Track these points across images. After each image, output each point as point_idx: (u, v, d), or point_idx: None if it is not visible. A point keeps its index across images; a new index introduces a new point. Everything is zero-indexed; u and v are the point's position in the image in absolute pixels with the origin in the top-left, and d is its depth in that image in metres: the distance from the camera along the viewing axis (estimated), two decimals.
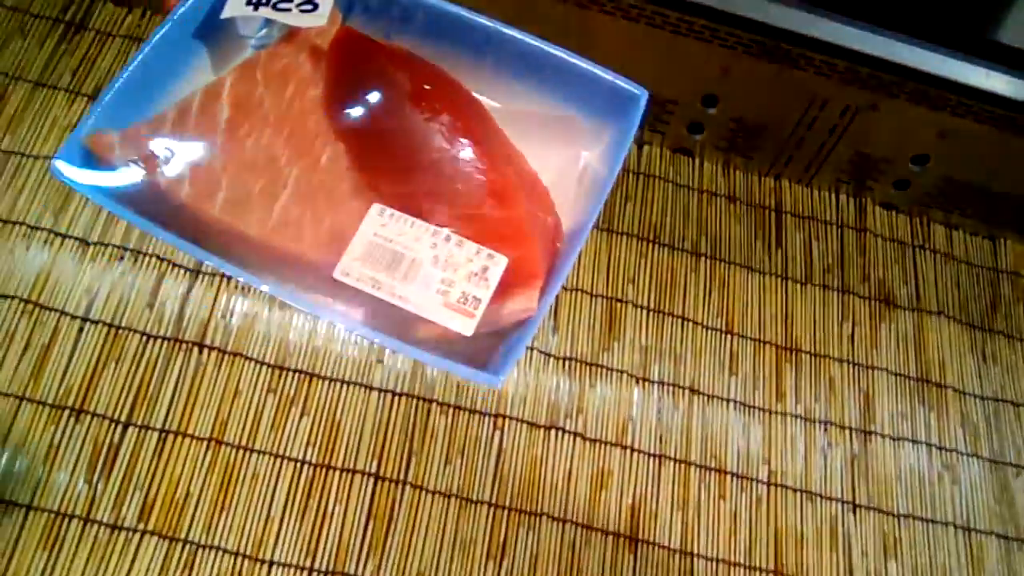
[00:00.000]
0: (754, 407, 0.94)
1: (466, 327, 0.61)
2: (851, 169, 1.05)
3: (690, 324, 0.97)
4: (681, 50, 0.96)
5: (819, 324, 1.00)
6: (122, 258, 0.90)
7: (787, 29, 0.92)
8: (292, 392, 0.87)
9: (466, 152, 0.67)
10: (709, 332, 0.97)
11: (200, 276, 0.90)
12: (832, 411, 0.95)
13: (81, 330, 0.86)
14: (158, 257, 0.91)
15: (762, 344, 0.97)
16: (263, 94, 0.68)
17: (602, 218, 1.01)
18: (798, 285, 1.01)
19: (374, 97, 0.69)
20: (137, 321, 0.87)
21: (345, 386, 0.88)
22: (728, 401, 0.94)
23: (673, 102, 1.02)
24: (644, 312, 0.97)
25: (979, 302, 1.04)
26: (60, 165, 0.62)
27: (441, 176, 0.66)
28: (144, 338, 0.87)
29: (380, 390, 0.88)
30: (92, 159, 0.63)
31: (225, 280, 0.91)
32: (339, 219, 0.64)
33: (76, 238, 0.90)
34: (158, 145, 0.65)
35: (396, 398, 0.88)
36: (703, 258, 1.01)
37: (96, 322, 0.87)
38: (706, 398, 0.94)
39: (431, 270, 0.62)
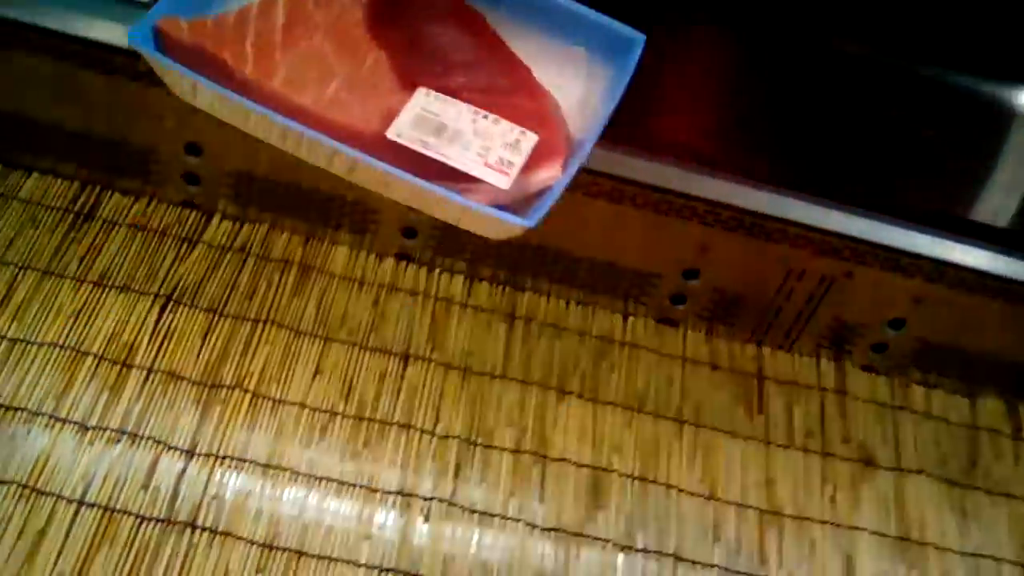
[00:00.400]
0: (738, 572, 0.96)
1: (502, 182, 0.73)
2: (830, 334, 1.08)
3: (674, 491, 0.99)
4: (663, 227, 1.00)
5: (801, 487, 1.01)
6: (119, 441, 0.93)
7: (761, 212, 0.97)
8: (280, 572, 0.89)
9: (497, 57, 0.81)
10: (693, 499, 0.99)
11: (195, 457, 0.94)
12: (814, 574, 0.97)
13: (76, 514, 0.89)
14: (155, 440, 0.94)
15: (745, 509, 0.99)
16: (313, 9, 0.81)
17: (588, 388, 1.04)
18: (780, 449, 1.04)
19: (412, 13, 0.82)
20: (132, 503, 0.90)
21: (333, 564, 0.90)
22: (712, 567, 0.96)
23: (657, 275, 1.06)
24: (629, 480, 0.99)
25: (958, 459, 1.06)
26: (134, 38, 0.74)
27: (477, 74, 0.80)
28: (138, 520, 0.89)
29: (367, 566, 0.91)
30: (161, 40, 0.76)
31: (219, 460, 0.94)
32: (386, 103, 0.77)
33: (75, 423, 0.94)
34: (222, 33, 0.77)
35: (382, 574, 0.90)
36: (687, 425, 1.04)
37: (92, 505, 0.90)
38: (690, 564, 0.95)
39: (471, 138, 0.74)
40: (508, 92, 0.79)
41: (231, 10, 0.79)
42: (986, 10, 1.09)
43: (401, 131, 0.74)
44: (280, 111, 0.72)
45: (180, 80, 0.74)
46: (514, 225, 0.72)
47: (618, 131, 0.97)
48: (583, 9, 0.83)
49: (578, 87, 0.83)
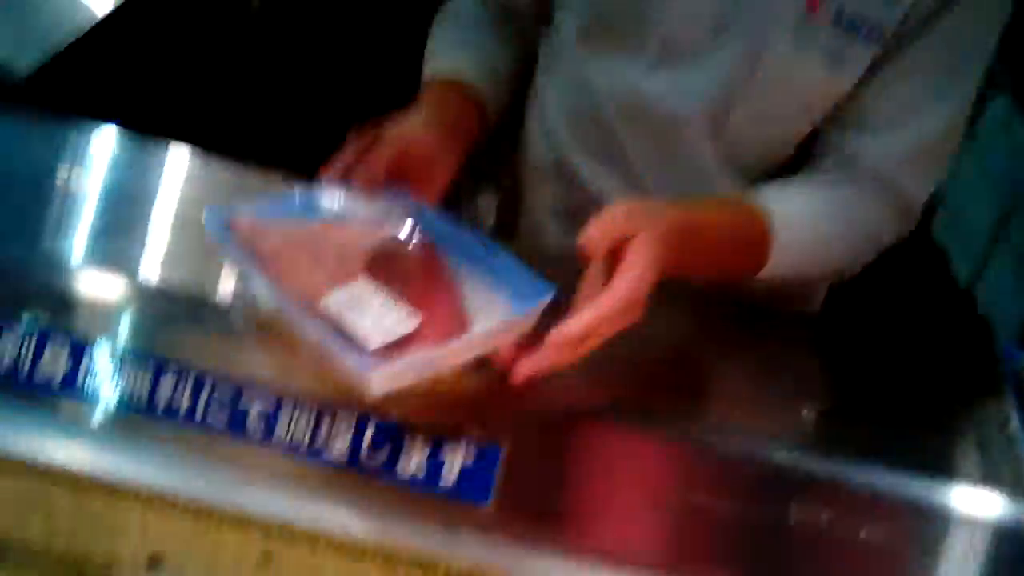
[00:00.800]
0: None
1: (369, 344, 0.98)
2: None
3: None
4: None
5: None
6: None
7: None
8: None
9: (436, 282, 1.09)
10: None
11: None
12: None
13: None
14: None
15: None
16: (334, 236, 1.11)
17: None
18: None
19: (394, 255, 1.11)
20: None
21: None
22: None
23: None
24: None
25: None
26: (209, 216, 1.10)
27: (414, 286, 1.06)
28: None
29: None
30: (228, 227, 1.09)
31: None
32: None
33: None
34: (265, 229, 1.10)
35: None
36: None
37: None
38: None
39: (374, 314, 1.01)
40: (428, 302, 1.04)
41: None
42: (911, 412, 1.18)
43: (330, 302, 1.01)
44: (271, 280, 1.04)
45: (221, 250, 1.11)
46: (355, 368, 0.95)
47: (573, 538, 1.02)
48: (513, 265, 1.08)
49: (495, 317, 1.05)
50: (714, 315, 1.29)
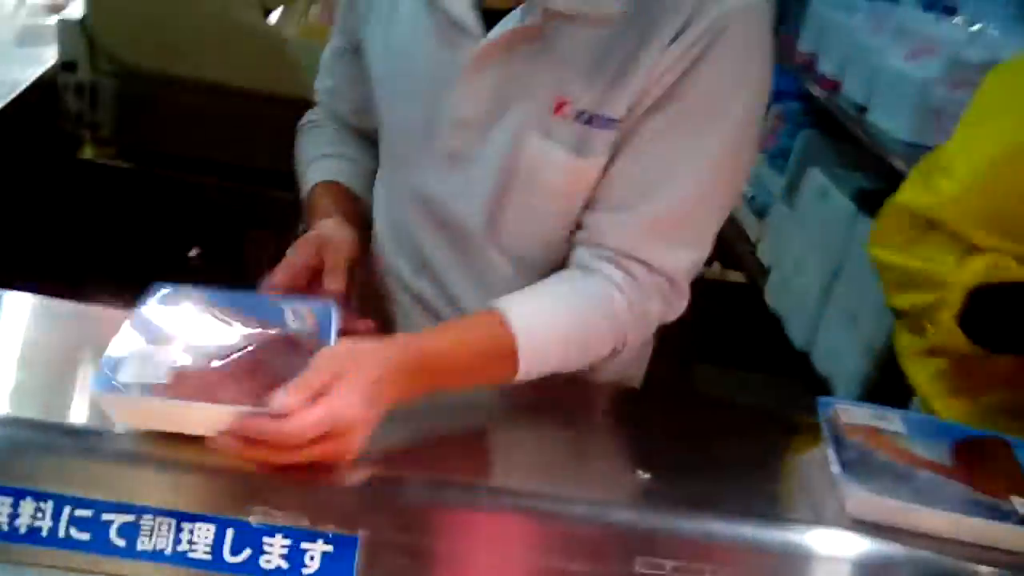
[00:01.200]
0: None
1: (124, 377, 1.10)
2: None
3: None
4: None
5: None
6: None
7: None
8: None
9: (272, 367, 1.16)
10: None
11: None
12: None
13: None
14: None
15: None
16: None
17: None
18: None
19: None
20: None
21: None
22: None
23: None
24: None
25: None
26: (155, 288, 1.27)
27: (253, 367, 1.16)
28: None
29: None
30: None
31: None
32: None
33: None
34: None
35: None
36: None
37: None
38: None
39: (154, 362, 1.13)
40: (247, 376, 1.14)
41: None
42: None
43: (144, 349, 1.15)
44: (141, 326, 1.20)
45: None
46: (93, 388, 1.10)
47: None
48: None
49: None
50: (548, 396, 1.38)
